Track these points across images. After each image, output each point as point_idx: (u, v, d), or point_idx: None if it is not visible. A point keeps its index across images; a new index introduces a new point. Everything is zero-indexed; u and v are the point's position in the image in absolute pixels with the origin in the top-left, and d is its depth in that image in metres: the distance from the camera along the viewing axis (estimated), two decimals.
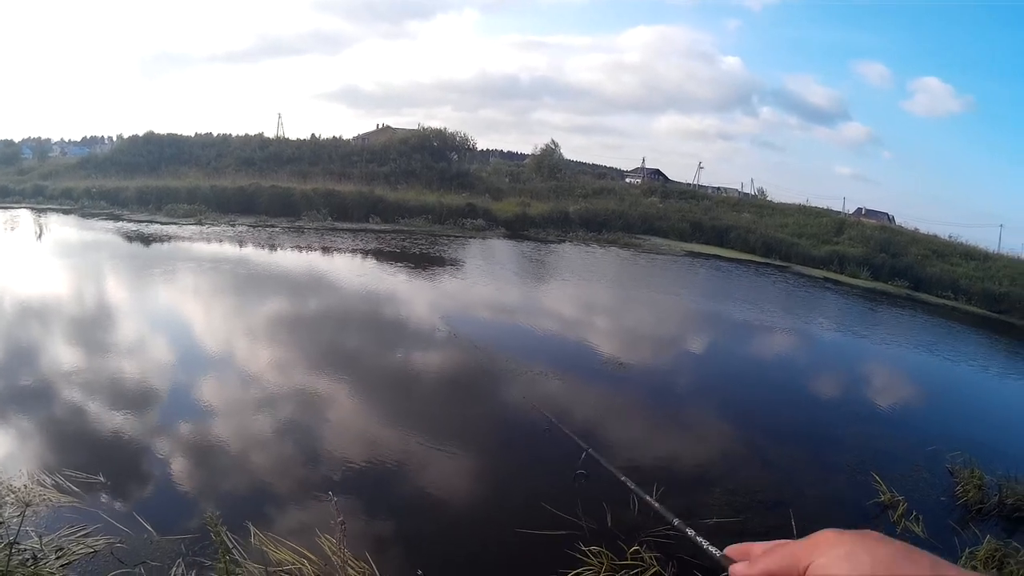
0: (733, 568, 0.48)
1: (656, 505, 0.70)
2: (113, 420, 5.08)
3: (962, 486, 5.07)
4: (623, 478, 0.83)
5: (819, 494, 4.83)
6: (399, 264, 13.98)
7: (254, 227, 20.64)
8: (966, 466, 5.30)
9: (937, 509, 4.82)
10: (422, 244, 18.47)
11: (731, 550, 0.52)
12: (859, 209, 32.00)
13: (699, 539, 0.59)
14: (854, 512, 4.64)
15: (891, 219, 31.87)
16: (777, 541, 0.48)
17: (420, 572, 2.95)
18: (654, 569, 3.41)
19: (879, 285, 21.90)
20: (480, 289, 12.40)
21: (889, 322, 13.97)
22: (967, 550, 4.12)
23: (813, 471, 5.30)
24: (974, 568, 3.56)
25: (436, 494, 4.34)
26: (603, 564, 3.42)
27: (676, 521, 0.63)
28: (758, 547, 0.49)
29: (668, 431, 5.96)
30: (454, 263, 15.72)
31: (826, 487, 5.01)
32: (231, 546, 3.16)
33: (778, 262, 23.82)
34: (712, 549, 0.55)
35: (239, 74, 79.47)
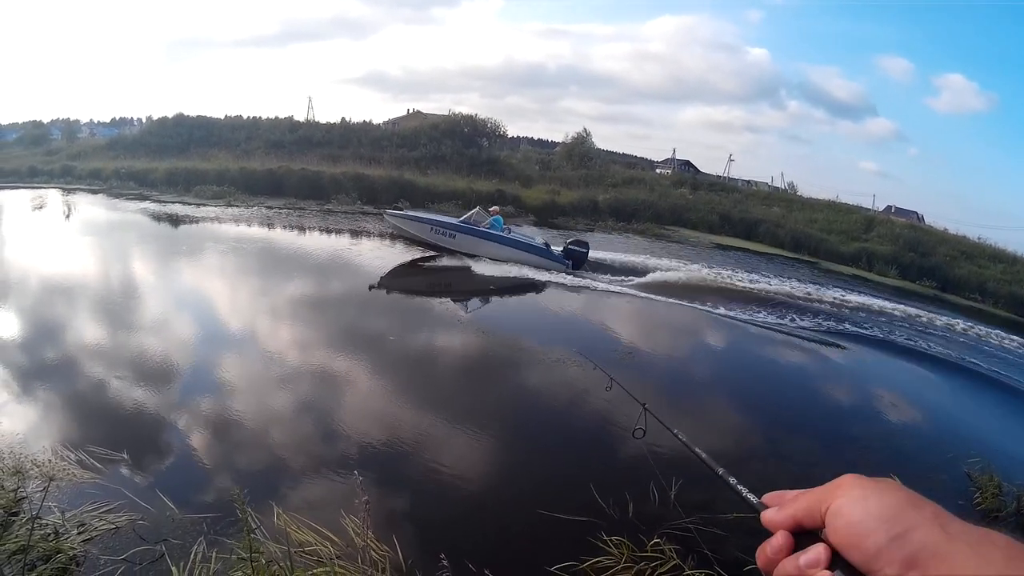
0: (764, 514, 0.51)
1: (703, 455, 0.72)
2: (137, 397, 5.07)
3: (980, 492, 4.99)
4: (675, 431, 0.88)
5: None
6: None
7: (283, 209, 20.69)
8: (984, 472, 5.20)
9: (954, 513, 4.66)
10: None
11: (767, 497, 0.54)
12: (889, 207, 31.58)
13: (739, 487, 0.59)
14: None
15: (920, 218, 31.43)
16: (810, 490, 0.49)
17: (443, 557, 2.85)
18: (674, 562, 3.38)
19: (907, 285, 21.61)
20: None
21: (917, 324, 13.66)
22: None
23: (829, 469, 5.15)
24: None
25: (461, 476, 4.30)
26: (623, 555, 3.40)
27: (721, 471, 0.64)
28: (791, 494, 0.51)
29: (685, 418, 5.82)
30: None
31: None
32: (255, 525, 3.10)
33: (807, 257, 23.59)
34: (751, 497, 0.57)
35: (267, 58, 79.86)
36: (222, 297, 9.10)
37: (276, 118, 26.56)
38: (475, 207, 12.51)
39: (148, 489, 3.65)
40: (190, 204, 20.94)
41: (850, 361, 9.29)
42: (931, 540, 0.40)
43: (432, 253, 11.93)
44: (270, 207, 20.82)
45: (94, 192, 24.31)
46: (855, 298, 14.13)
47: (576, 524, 3.68)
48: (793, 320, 10.76)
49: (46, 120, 31.81)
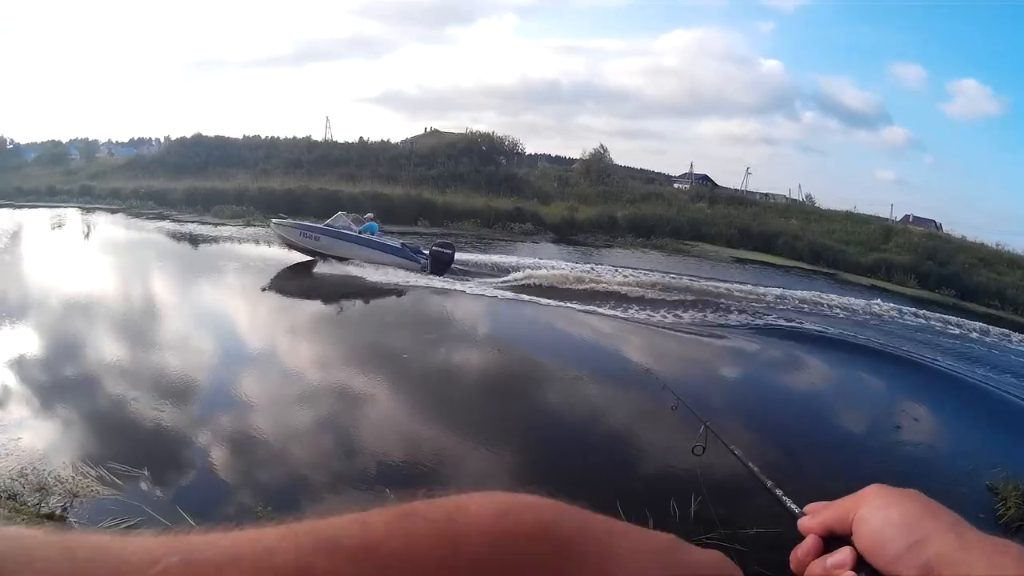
0: (800, 521, 0.53)
1: (755, 469, 0.73)
2: (157, 414, 5.12)
3: (1003, 503, 4.91)
4: (732, 447, 0.87)
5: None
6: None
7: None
8: (1007, 482, 5.13)
9: (974, 525, 4.58)
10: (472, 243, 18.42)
11: (809, 508, 0.55)
12: (907, 216, 31.32)
13: (784, 498, 0.60)
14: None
15: (938, 226, 31.16)
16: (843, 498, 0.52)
17: None
18: None
19: (925, 294, 21.42)
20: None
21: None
22: None
23: (848, 482, 5.06)
24: None
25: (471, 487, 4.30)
26: None
27: (769, 483, 0.66)
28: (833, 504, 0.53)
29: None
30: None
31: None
32: None
33: (825, 269, 23.48)
34: (793, 507, 0.58)
35: (284, 78, 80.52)
36: (241, 316, 9.25)
37: (294, 138, 26.79)
38: (347, 213, 13.27)
39: (168, 505, 3.66)
40: (208, 224, 21.14)
41: (862, 371, 9.21)
42: (947, 548, 0.42)
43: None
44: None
45: (113, 212, 24.55)
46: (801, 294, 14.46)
47: None
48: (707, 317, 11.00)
49: (64, 140, 32.17)
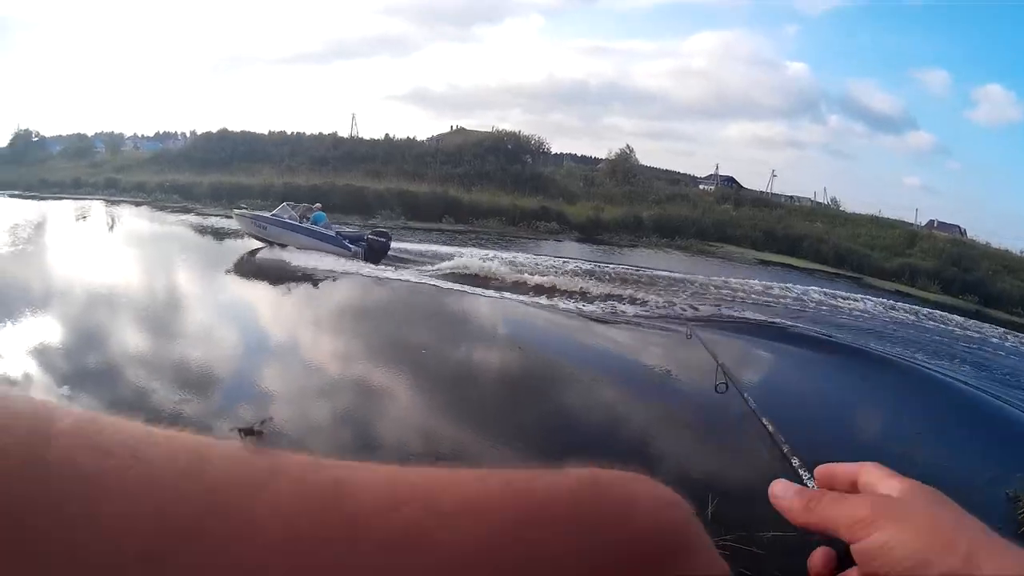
0: (774, 490, 0.46)
1: (770, 428, 0.68)
2: (171, 404, 5.23)
3: (1022, 513, 4.80)
4: (745, 395, 0.81)
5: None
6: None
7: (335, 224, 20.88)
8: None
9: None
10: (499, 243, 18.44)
11: (819, 470, 0.49)
12: (931, 221, 31.07)
13: (794, 457, 0.56)
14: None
15: (963, 232, 30.89)
16: (857, 465, 0.45)
17: None
18: None
19: (949, 299, 21.24)
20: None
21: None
22: None
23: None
24: None
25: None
26: None
27: (787, 448, 0.60)
28: (840, 469, 0.47)
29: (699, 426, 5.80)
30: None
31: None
32: None
33: (849, 273, 23.35)
34: (803, 472, 0.53)
35: (311, 75, 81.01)
36: (260, 309, 9.45)
37: (320, 134, 26.90)
38: (293, 204, 14.18)
39: None
40: (231, 217, 21.29)
41: (876, 375, 9.05)
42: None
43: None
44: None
45: (137, 204, 24.75)
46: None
47: None
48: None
49: (90, 133, 32.50)
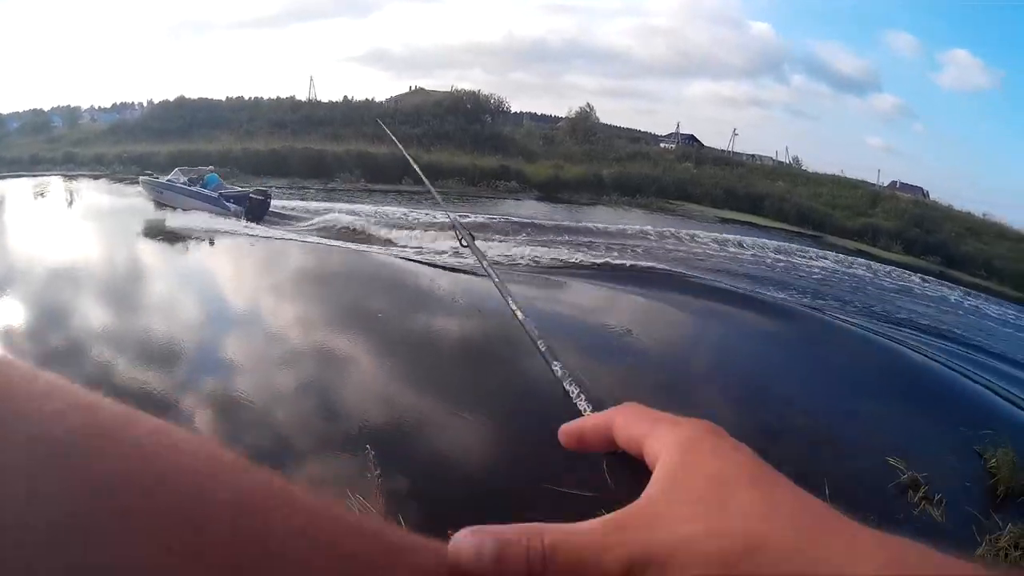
0: (564, 427, 0.38)
1: (521, 317, 0.57)
2: (137, 377, 5.17)
3: (991, 469, 4.81)
4: (489, 270, 0.75)
5: (835, 470, 4.43)
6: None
7: (286, 189, 20.67)
8: (999, 447, 4.97)
9: (960, 493, 4.59)
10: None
11: (563, 430, 0.39)
12: (894, 182, 31.33)
13: (571, 387, 0.45)
14: (870, 491, 4.33)
15: (926, 194, 31.24)
16: (610, 413, 0.36)
17: (450, 533, 2.83)
18: None
19: (911, 260, 21.58)
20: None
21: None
22: (987, 536, 3.93)
23: (829, 447, 5.06)
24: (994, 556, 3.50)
25: (465, 450, 4.32)
26: None
27: (556, 365, 0.48)
28: (591, 426, 0.37)
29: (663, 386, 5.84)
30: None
31: (842, 463, 4.72)
32: None
33: (811, 232, 23.61)
34: (582, 404, 0.44)
35: (268, 39, 78.84)
36: (220, 280, 9.30)
37: (278, 98, 26.49)
38: (184, 168, 14.77)
39: None
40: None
41: (844, 330, 9.10)
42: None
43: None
44: (274, 186, 20.82)
45: (96, 178, 24.26)
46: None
47: (583, 499, 3.57)
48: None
49: (46, 108, 31.66)
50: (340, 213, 13.48)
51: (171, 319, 6.85)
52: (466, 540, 0.30)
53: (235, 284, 8.94)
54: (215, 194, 13.02)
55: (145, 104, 29.36)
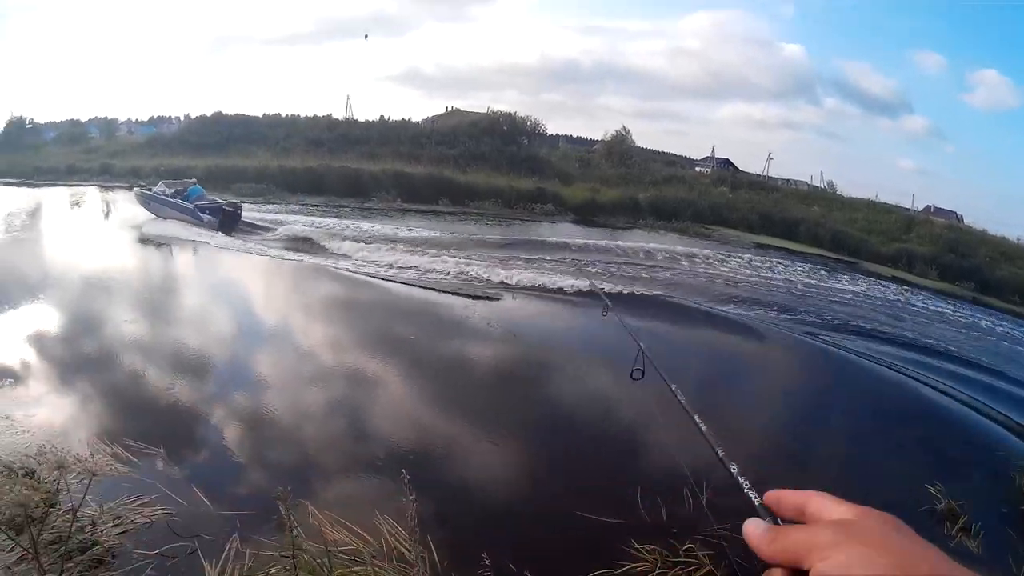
0: (747, 525, 0.47)
1: (703, 427, 0.66)
2: (176, 393, 5.11)
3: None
4: (673, 387, 0.79)
5: (875, 498, 4.37)
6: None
7: (324, 207, 20.81)
8: None
9: (997, 521, 4.49)
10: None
11: (768, 496, 0.50)
12: (928, 207, 31.01)
13: (741, 479, 0.55)
14: (909, 520, 4.19)
15: (960, 218, 30.86)
16: (804, 495, 0.47)
17: (485, 557, 2.80)
18: (707, 568, 3.37)
19: (946, 287, 21.21)
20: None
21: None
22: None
23: (869, 471, 5.01)
24: None
25: (497, 476, 4.29)
26: (657, 561, 3.39)
27: (720, 452, 0.59)
28: (788, 497, 0.48)
29: (715, 418, 5.71)
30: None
31: (881, 491, 4.61)
32: (293, 524, 3.07)
33: (847, 257, 23.31)
34: (752, 493, 0.52)
35: (305, 56, 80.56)
36: (258, 297, 9.32)
37: (315, 116, 26.77)
38: (168, 181, 15.93)
39: (183, 484, 3.67)
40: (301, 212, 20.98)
41: (882, 359, 8.92)
42: None
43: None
44: (311, 204, 20.97)
45: (131, 189, 24.61)
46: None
47: (611, 527, 3.67)
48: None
49: (84, 119, 32.32)
50: (288, 226, 14.20)
51: (99, 319, 7.18)
52: (751, 525, 0.47)
53: (173, 292, 9.23)
54: (191, 206, 13.77)
55: (182, 118, 29.87)
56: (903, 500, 4.56)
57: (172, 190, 14.64)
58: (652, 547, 3.46)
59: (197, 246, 12.42)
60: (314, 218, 16.81)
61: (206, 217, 13.36)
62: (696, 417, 0.68)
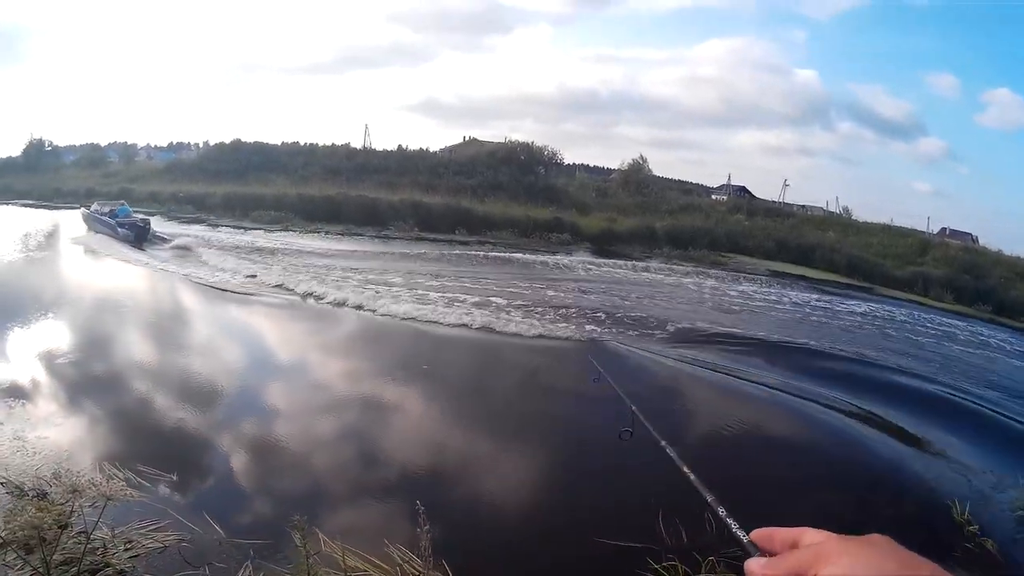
0: (748, 564, 0.49)
1: (691, 476, 0.70)
2: (188, 420, 5.12)
3: None
4: (663, 443, 0.85)
5: (892, 513, 4.52)
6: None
7: (342, 236, 21.03)
8: None
9: (1007, 534, 4.47)
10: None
11: (756, 535, 0.53)
12: (943, 229, 30.94)
13: (729, 520, 0.58)
14: (922, 532, 4.28)
15: (975, 240, 30.74)
16: (797, 530, 0.49)
17: None
18: None
19: (963, 309, 21.11)
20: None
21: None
22: None
23: (887, 489, 4.97)
24: None
25: (514, 500, 4.26)
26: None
27: (710, 498, 0.63)
28: (779, 533, 0.51)
29: (734, 435, 5.74)
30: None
31: (902, 507, 4.70)
32: (309, 553, 3.06)
33: (861, 283, 23.23)
34: (740, 533, 0.55)
35: (324, 85, 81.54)
36: (269, 325, 9.19)
37: (333, 145, 27.04)
38: (102, 201, 18.62)
39: (195, 511, 3.66)
40: (239, 228, 21.27)
41: (904, 374, 8.89)
42: None
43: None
44: (329, 233, 21.20)
45: (150, 214, 24.86)
46: None
47: (631, 550, 3.64)
48: None
49: (103, 143, 32.72)
50: (180, 238, 16.28)
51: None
52: (751, 563, 0.49)
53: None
54: (113, 222, 16.08)
55: (201, 145, 30.16)
56: (923, 513, 4.68)
57: (107, 209, 17.12)
58: (671, 564, 3.47)
59: (92, 252, 14.47)
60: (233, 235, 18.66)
61: (122, 232, 15.62)
62: (684, 468, 0.73)
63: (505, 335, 8.60)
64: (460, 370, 7.39)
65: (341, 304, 9.76)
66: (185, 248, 15.28)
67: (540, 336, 8.61)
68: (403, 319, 9.11)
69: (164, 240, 16.31)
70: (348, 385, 6.51)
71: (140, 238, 15.61)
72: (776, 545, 0.50)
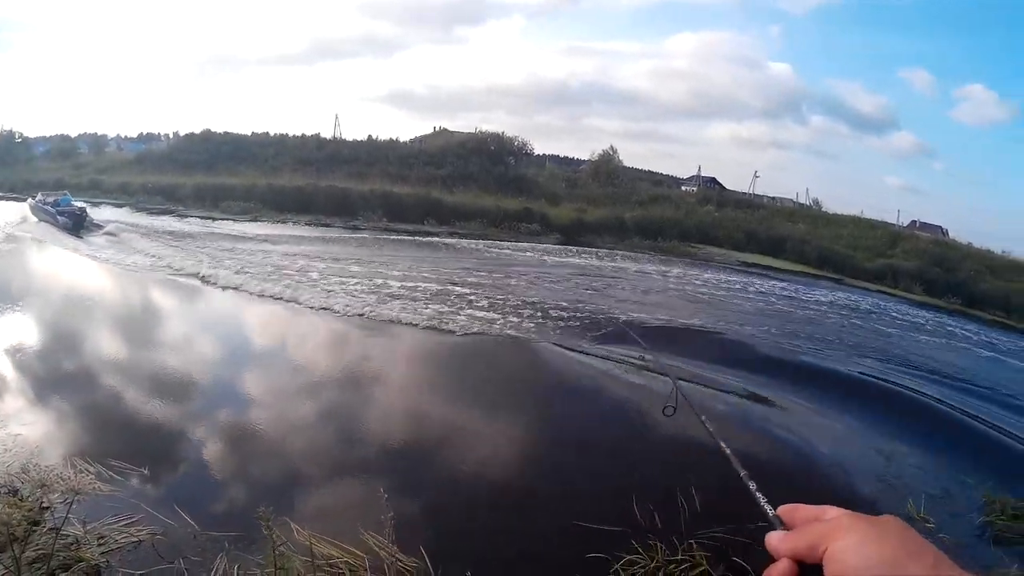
0: (769, 539, 0.52)
1: (727, 450, 0.72)
2: (158, 413, 5.07)
3: (993, 514, 4.68)
4: (703, 418, 0.86)
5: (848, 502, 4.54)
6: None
7: (310, 225, 20.91)
8: (999, 494, 4.87)
9: (964, 532, 4.48)
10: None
11: (782, 510, 0.55)
12: (913, 222, 31.31)
13: (758, 494, 0.61)
14: None
15: (945, 232, 31.15)
16: (822, 508, 0.52)
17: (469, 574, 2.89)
18: (703, 567, 3.42)
19: (933, 301, 21.33)
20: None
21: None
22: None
23: (846, 490, 4.91)
24: None
25: (492, 485, 4.29)
26: (655, 557, 3.44)
27: (743, 472, 0.65)
28: (802, 510, 0.53)
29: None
30: None
31: (853, 504, 4.71)
32: (280, 542, 3.07)
33: (831, 274, 23.41)
34: (767, 507, 0.58)
35: (295, 76, 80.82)
36: (240, 315, 9.19)
37: (303, 135, 26.84)
38: (47, 192, 19.15)
39: (168, 504, 3.64)
40: (209, 219, 21.06)
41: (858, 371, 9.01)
42: None
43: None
44: (298, 223, 21.05)
45: (119, 206, 24.50)
46: None
47: (609, 534, 3.68)
48: None
49: (74, 134, 32.26)
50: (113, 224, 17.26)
51: None
52: (770, 537, 0.52)
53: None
54: (54, 211, 16.91)
55: (171, 135, 29.83)
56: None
57: (51, 199, 17.99)
58: (652, 542, 3.51)
59: (33, 241, 15.11)
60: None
61: (62, 220, 16.41)
62: (722, 443, 0.74)
63: (381, 321, 8.52)
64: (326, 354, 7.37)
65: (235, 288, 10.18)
66: (114, 235, 16.11)
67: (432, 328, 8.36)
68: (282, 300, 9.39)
69: (99, 227, 17.29)
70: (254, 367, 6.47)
71: (77, 226, 16.47)
72: (798, 520, 0.53)
